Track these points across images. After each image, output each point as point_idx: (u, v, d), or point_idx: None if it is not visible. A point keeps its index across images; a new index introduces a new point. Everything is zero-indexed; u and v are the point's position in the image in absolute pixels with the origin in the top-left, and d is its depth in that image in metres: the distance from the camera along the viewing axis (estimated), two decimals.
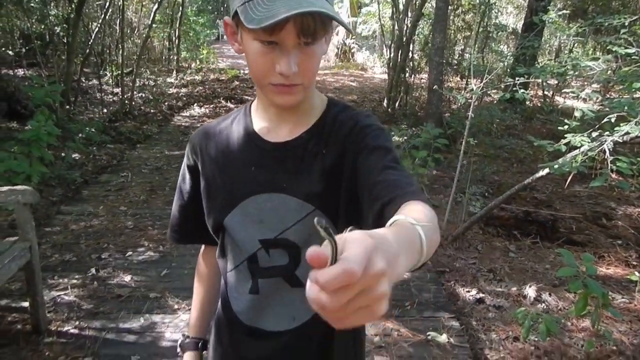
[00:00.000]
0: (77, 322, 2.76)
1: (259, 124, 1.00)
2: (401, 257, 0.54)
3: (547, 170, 3.05)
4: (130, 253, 3.61)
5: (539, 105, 9.67)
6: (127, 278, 3.26)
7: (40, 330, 2.63)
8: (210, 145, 1.03)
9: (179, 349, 1.09)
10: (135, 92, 8.80)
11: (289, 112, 0.97)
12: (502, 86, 4.18)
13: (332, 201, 0.94)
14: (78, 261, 3.46)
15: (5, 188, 2.51)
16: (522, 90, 3.47)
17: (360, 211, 0.87)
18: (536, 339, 2.82)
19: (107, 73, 9.85)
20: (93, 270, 3.33)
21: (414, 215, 0.65)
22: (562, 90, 7.95)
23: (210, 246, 1.13)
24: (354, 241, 0.45)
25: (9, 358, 2.44)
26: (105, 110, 7.91)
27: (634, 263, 4.02)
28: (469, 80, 4.83)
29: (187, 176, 1.08)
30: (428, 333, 2.82)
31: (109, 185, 5.03)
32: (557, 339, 2.87)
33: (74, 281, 3.19)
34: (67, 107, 6.94)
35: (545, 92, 9.85)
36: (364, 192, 0.85)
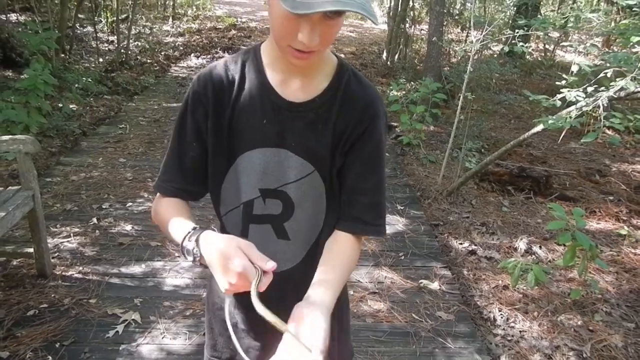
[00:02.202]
0: (80, 268, 2.85)
1: (272, 75, 1.01)
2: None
3: (541, 126, 3.07)
4: (130, 204, 3.67)
5: (540, 59, 9.56)
6: (128, 227, 3.33)
7: (46, 275, 2.72)
8: (220, 91, 1.02)
9: (189, 256, 0.91)
10: (131, 41, 8.64)
11: (301, 70, 1.00)
12: (503, 38, 4.13)
13: (329, 165, 1.03)
14: (79, 211, 3.52)
15: (6, 137, 2.53)
16: (520, 44, 3.44)
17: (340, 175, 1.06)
18: (525, 288, 2.93)
19: (102, 19, 9.64)
20: (94, 220, 3.40)
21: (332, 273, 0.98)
22: (561, 44, 7.83)
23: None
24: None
25: (17, 299, 2.53)
26: (101, 60, 7.80)
27: (624, 218, 4.12)
28: (469, 31, 4.76)
29: (190, 123, 1.03)
30: (420, 281, 2.93)
31: (107, 137, 5.04)
32: (545, 287, 2.99)
33: (76, 229, 3.26)
34: (63, 55, 6.85)
35: (546, 46, 9.72)
36: (343, 179, 1.05)
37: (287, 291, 1.11)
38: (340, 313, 1.22)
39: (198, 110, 1.02)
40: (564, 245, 2.85)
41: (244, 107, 1.01)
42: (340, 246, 1.03)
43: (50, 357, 2.16)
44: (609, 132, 5.47)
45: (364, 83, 1.05)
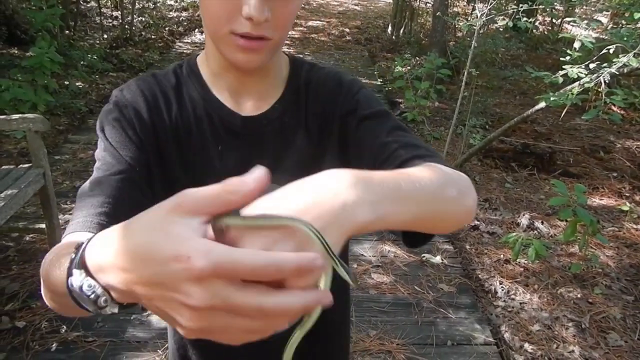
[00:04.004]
0: None
1: (217, 91, 0.79)
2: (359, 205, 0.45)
3: (544, 103, 3.08)
4: None
5: (546, 33, 9.44)
6: None
7: None
8: (154, 112, 0.77)
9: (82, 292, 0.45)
10: (135, 16, 8.61)
11: (255, 78, 0.78)
12: (510, 11, 4.10)
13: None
14: None
15: (16, 116, 2.58)
16: (525, 19, 3.41)
17: None
18: (526, 262, 2.99)
19: None
20: None
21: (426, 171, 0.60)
22: (565, 19, 7.72)
23: None
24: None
25: (31, 272, 2.62)
26: (105, 36, 7.78)
27: (626, 194, 4.14)
28: (475, 5, 4.73)
29: (123, 149, 0.73)
30: (423, 255, 2.99)
31: None
32: (545, 261, 3.04)
33: None
34: (67, 32, 6.84)
35: (553, 20, 9.59)
36: (367, 158, 0.74)
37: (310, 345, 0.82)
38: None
39: (128, 129, 0.74)
40: (566, 220, 2.90)
41: (189, 134, 0.77)
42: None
43: (65, 326, 2.25)
44: (615, 108, 5.46)
45: (324, 67, 0.86)
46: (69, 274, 0.44)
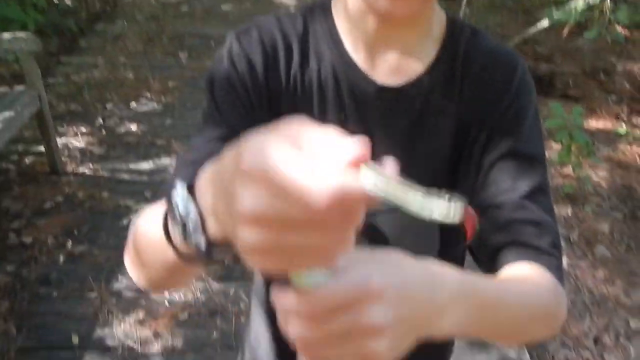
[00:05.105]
0: (90, 165, 2.95)
1: (351, 45, 0.65)
2: (451, 305, 0.42)
3: (547, 22, 3.01)
4: (133, 104, 3.70)
5: None
6: (134, 127, 3.39)
7: (58, 171, 2.83)
8: (273, 63, 0.65)
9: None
10: None
11: (399, 31, 0.62)
12: None
13: (448, 183, 0.67)
14: (84, 111, 3.56)
15: (7, 35, 2.51)
16: None
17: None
18: None
19: None
20: (100, 120, 3.45)
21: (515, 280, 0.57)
22: None
23: None
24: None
25: (33, 193, 2.67)
26: None
27: (624, 117, 4.13)
28: None
29: (227, 110, 0.64)
30: None
31: (105, 34, 4.94)
32: None
33: (83, 129, 3.33)
34: None
35: None
36: (487, 205, 0.64)
37: None
38: None
39: (238, 86, 0.64)
40: (561, 142, 2.92)
41: (309, 96, 0.66)
42: (515, 270, 0.60)
43: (70, 241, 2.33)
44: (620, 28, 5.32)
45: (489, 38, 0.68)
46: (173, 186, 0.41)
